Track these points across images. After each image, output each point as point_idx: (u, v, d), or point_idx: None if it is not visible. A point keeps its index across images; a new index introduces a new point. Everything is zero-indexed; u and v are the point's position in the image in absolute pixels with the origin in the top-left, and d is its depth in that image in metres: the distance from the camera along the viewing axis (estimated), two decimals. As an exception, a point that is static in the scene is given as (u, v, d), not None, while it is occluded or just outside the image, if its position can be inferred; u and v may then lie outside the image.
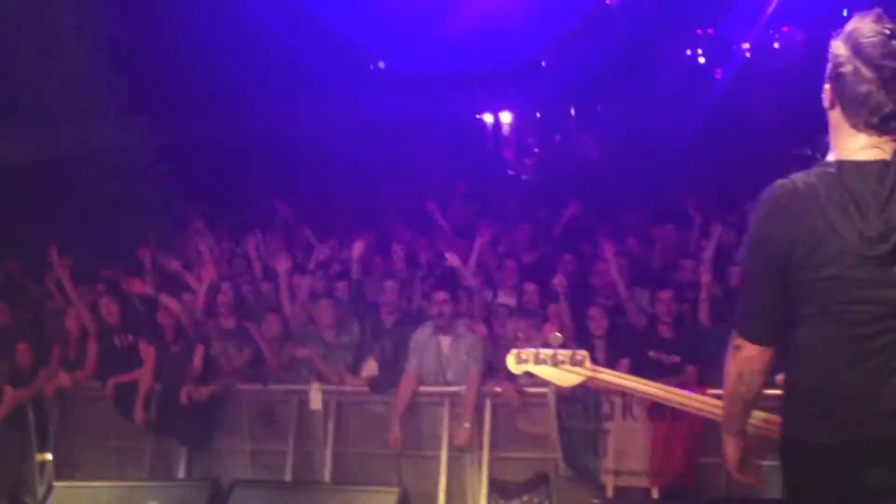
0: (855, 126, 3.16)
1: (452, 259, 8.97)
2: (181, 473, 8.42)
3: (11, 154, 11.40)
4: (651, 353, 7.73)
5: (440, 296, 8.08)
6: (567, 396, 7.25)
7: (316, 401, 8.19)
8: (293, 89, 14.11)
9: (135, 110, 12.02)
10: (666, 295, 7.85)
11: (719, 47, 17.23)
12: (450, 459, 7.90)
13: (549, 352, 3.97)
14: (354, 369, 8.38)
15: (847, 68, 3.13)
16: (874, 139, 3.17)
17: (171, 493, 6.56)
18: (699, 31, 17.60)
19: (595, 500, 6.11)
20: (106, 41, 11.84)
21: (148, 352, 8.91)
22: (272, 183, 13.19)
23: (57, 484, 6.64)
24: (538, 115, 20.68)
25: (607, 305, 8.40)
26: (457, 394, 7.92)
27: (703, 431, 7.39)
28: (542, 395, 7.62)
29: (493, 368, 7.87)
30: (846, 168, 3.15)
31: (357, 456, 8.22)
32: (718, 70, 16.53)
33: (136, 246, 10.92)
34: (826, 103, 3.24)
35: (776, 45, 17.10)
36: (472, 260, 9.17)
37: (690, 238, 10.91)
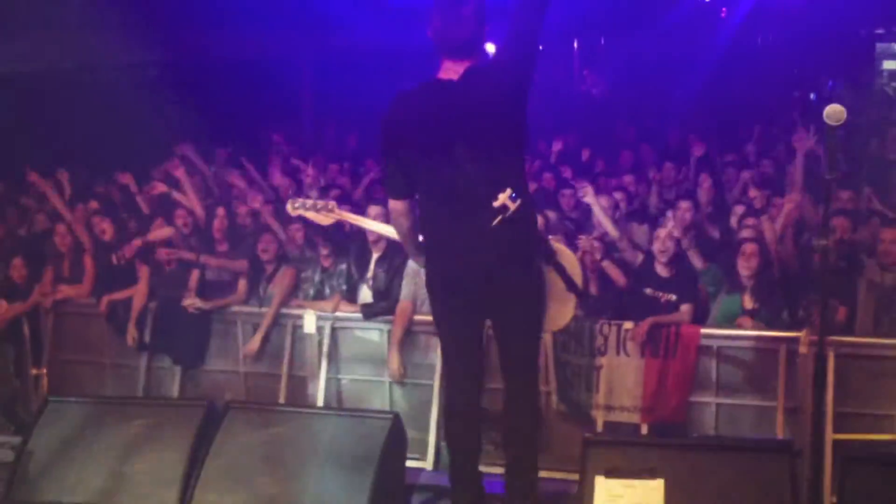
0: (439, 54, 4.71)
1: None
2: (175, 393, 8.50)
3: (6, 67, 11.26)
4: (647, 291, 7.74)
5: None
6: (561, 331, 7.23)
7: (310, 324, 8.20)
8: (293, 16, 13.88)
9: (135, 27, 11.86)
10: (662, 233, 7.82)
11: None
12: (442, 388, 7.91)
13: (311, 200, 6.52)
14: (350, 297, 8.38)
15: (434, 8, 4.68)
16: (452, 64, 4.70)
17: (164, 412, 6.54)
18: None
19: (586, 434, 6.14)
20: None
21: (142, 269, 8.92)
22: (270, 110, 13.08)
23: (50, 399, 6.63)
24: (540, 47, 20.44)
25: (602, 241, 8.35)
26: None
27: (694, 369, 7.44)
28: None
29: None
30: (434, 83, 4.73)
31: (349, 381, 8.26)
32: (724, 9, 16.31)
33: (130, 164, 10.88)
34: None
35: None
36: None
37: (688, 177, 10.88)
